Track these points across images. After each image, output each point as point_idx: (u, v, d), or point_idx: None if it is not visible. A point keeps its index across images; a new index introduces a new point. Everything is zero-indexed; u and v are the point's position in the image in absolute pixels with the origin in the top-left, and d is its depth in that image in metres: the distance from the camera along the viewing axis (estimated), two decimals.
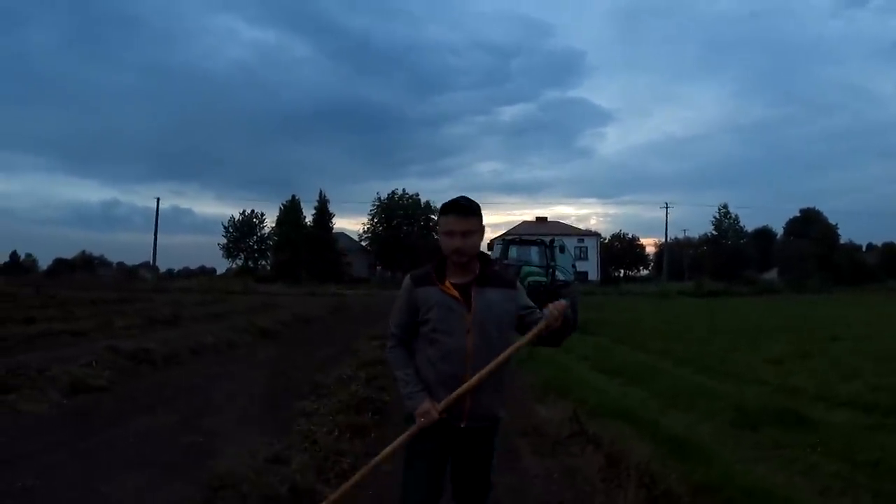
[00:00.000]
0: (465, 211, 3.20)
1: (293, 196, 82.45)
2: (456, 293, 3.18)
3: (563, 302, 3.20)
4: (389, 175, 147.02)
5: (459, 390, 3.10)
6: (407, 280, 3.34)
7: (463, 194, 3.33)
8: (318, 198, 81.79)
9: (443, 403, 3.13)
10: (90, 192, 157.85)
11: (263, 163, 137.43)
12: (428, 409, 3.12)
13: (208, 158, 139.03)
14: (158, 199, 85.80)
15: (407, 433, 3.19)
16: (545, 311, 3.17)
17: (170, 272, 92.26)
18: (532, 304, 3.36)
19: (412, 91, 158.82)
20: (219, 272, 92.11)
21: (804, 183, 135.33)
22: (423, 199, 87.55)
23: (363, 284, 73.08)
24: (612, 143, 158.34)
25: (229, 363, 12.65)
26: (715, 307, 34.98)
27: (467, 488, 3.32)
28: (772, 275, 77.24)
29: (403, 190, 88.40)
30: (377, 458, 3.33)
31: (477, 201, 3.30)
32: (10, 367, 9.28)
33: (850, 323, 21.51)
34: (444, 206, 3.27)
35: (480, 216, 3.28)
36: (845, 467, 5.45)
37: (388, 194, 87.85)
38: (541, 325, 3.13)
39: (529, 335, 3.18)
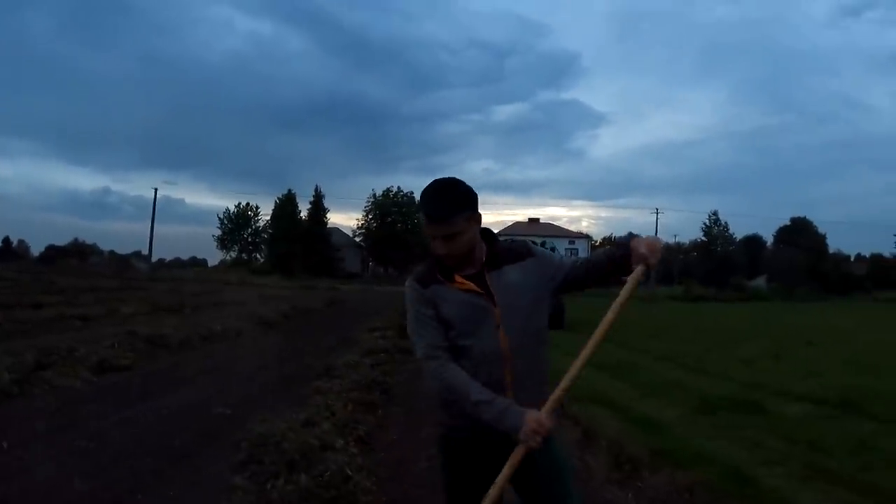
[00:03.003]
0: (446, 216, 2.56)
1: (289, 190, 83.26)
2: (472, 286, 2.62)
3: (657, 239, 2.50)
4: (382, 170, 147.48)
5: (559, 392, 2.51)
6: (412, 284, 2.74)
7: (441, 178, 2.69)
8: (313, 193, 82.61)
9: (550, 403, 2.51)
10: (83, 180, 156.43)
11: (257, 155, 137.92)
12: (540, 417, 2.45)
13: (202, 149, 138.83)
14: (156, 190, 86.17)
15: (513, 458, 2.46)
16: (636, 243, 2.50)
17: (161, 262, 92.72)
18: (560, 257, 2.78)
19: (407, 87, 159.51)
20: (210, 263, 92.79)
21: (795, 192, 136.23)
22: (417, 197, 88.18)
23: (356, 279, 73.93)
24: (605, 145, 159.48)
25: (239, 349, 13.50)
26: (701, 311, 35.95)
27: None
28: (760, 282, 78.06)
29: (398, 188, 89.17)
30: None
31: (464, 183, 2.66)
32: (41, 347, 10.09)
33: (828, 330, 22.36)
34: (421, 202, 2.68)
35: (469, 208, 2.61)
36: (786, 445, 6.35)
37: (384, 191, 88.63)
38: (638, 271, 2.48)
39: (628, 289, 2.52)
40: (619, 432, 6.04)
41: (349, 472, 4.38)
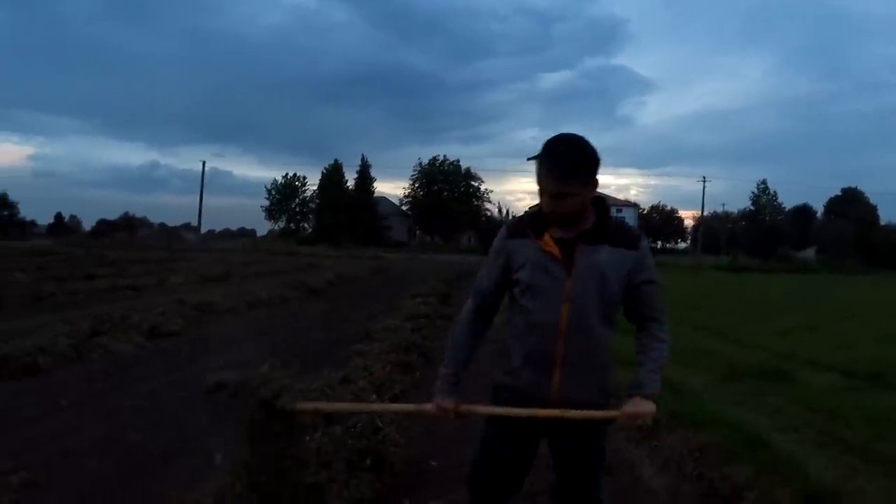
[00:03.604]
0: (563, 174, 2.48)
1: (335, 160, 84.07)
2: (555, 250, 2.54)
3: (649, 407, 2.59)
4: (428, 140, 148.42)
5: (529, 411, 2.58)
6: (502, 230, 2.74)
7: (568, 133, 2.56)
8: (359, 162, 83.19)
9: (470, 409, 2.71)
10: (132, 155, 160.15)
11: (303, 127, 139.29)
12: (448, 406, 2.68)
13: (249, 122, 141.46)
14: (204, 163, 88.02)
15: (417, 407, 2.84)
16: (633, 403, 2.59)
17: (210, 233, 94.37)
18: (652, 275, 2.66)
19: (452, 57, 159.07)
20: (259, 234, 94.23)
21: (846, 161, 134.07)
22: (463, 166, 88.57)
23: (402, 248, 74.47)
24: (652, 112, 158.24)
25: (284, 315, 13.92)
26: (745, 282, 35.68)
27: (569, 494, 2.78)
28: (809, 253, 76.92)
29: (444, 156, 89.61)
30: (382, 408, 3.09)
31: (590, 145, 2.54)
32: (96, 315, 10.58)
33: (876, 304, 22.07)
34: (543, 152, 2.52)
35: (588, 172, 2.52)
36: (806, 413, 6.50)
37: (430, 160, 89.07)
38: (613, 413, 2.61)
39: (596, 414, 2.63)
40: None
41: (379, 424, 4.68)
